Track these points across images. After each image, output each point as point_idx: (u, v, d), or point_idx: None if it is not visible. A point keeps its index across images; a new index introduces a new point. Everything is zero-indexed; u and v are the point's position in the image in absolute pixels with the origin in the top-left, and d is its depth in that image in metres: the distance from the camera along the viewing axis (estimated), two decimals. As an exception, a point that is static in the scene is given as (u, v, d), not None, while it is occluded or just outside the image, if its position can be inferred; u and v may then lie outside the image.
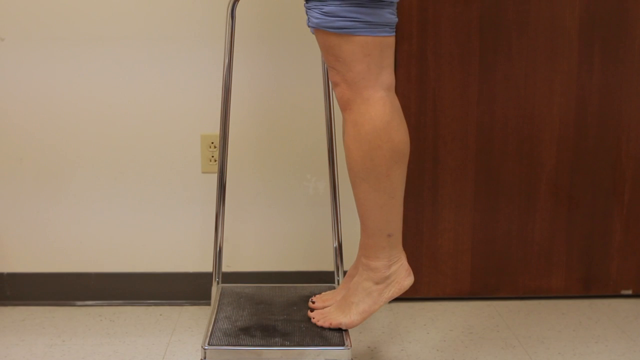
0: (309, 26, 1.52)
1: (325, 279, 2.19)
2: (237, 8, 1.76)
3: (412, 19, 2.14)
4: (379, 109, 1.49)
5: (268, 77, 2.15)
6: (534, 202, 2.24)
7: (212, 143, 2.16)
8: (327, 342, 1.54)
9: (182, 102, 2.14)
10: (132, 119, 2.15)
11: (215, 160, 2.17)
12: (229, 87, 1.77)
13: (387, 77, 1.50)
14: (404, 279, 1.59)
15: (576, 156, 2.23)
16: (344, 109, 1.52)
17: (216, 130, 2.15)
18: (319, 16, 1.47)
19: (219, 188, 1.81)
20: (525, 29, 2.16)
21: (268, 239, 2.22)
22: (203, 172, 2.18)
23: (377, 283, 1.58)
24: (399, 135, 1.50)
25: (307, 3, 1.51)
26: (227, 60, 1.75)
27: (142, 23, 2.10)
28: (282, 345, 1.53)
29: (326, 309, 1.65)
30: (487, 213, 2.24)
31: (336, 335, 1.57)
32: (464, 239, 2.25)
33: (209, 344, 1.53)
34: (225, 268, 2.21)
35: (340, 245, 1.84)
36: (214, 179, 2.18)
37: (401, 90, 2.16)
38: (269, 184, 2.20)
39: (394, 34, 1.50)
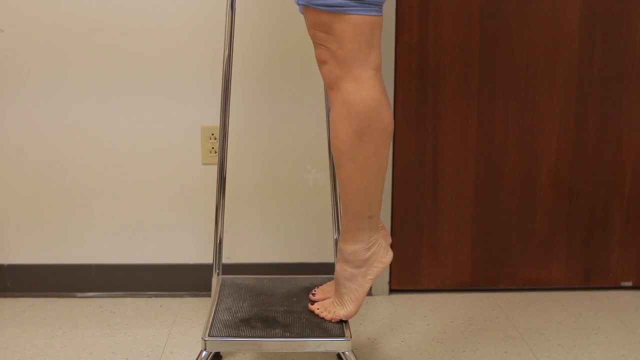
0: (298, 4, 1.50)
1: (325, 270, 2.19)
2: (237, 0, 1.75)
3: (413, 10, 2.13)
4: (370, 88, 1.47)
5: (268, 69, 2.14)
6: (534, 193, 2.24)
7: (212, 135, 2.16)
8: (327, 334, 1.54)
9: (182, 94, 2.14)
10: (132, 110, 2.15)
11: (216, 152, 2.17)
12: (229, 78, 1.76)
13: (376, 56, 1.49)
14: (384, 256, 1.59)
15: (577, 148, 2.23)
16: (331, 87, 1.51)
17: (216, 122, 2.15)
18: None
19: (219, 180, 1.80)
20: (525, 20, 2.16)
21: (268, 230, 2.22)
22: (203, 164, 2.18)
23: (358, 267, 1.58)
24: (388, 114, 1.50)
25: None
26: (227, 52, 1.75)
27: (141, 14, 2.10)
28: (282, 336, 1.53)
29: (326, 301, 1.65)
30: (488, 204, 2.24)
31: (336, 326, 1.57)
32: (465, 230, 2.25)
33: (209, 335, 1.53)
34: (225, 259, 2.21)
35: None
36: (214, 170, 2.18)
37: (401, 81, 2.16)
38: (269, 176, 2.20)
39: (382, 13, 1.50)
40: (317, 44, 1.51)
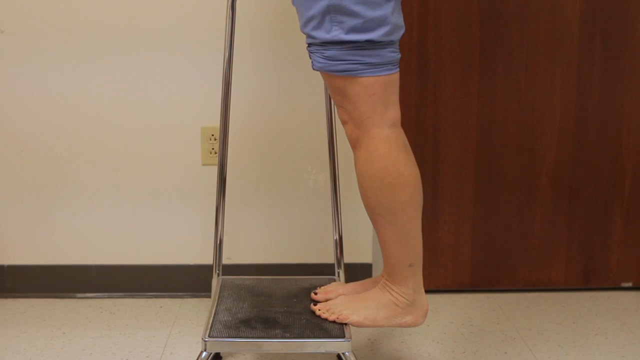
0: (314, 69, 1.53)
1: (325, 271, 2.19)
2: (237, 1, 1.75)
3: (413, 10, 2.13)
4: (386, 146, 1.50)
5: (268, 70, 2.14)
6: (534, 194, 2.24)
7: (213, 135, 2.16)
8: (327, 334, 1.54)
9: (182, 94, 2.14)
10: (132, 111, 2.15)
11: (216, 153, 2.17)
12: (229, 79, 1.76)
13: (393, 113, 1.52)
14: (420, 317, 1.61)
15: (577, 148, 2.23)
16: (353, 146, 1.54)
17: (216, 123, 2.15)
18: (322, 60, 1.49)
19: (219, 180, 1.80)
20: (526, 20, 2.16)
21: (268, 231, 2.22)
22: (203, 165, 2.18)
23: (396, 305, 1.59)
24: (408, 169, 1.51)
25: (309, 47, 1.52)
26: (227, 54, 1.75)
27: (142, 16, 2.10)
28: (282, 337, 1.53)
29: (330, 302, 1.65)
30: (488, 205, 2.24)
31: (336, 327, 1.57)
32: (465, 231, 2.25)
33: (209, 336, 1.53)
34: (225, 260, 2.21)
35: (340, 237, 1.84)
36: (214, 171, 2.18)
37: (401, 82, 2.16)
38: (269, 177, 2.20)
39: (397, 69, 1.51)
40: (337, 106, 1.54)
